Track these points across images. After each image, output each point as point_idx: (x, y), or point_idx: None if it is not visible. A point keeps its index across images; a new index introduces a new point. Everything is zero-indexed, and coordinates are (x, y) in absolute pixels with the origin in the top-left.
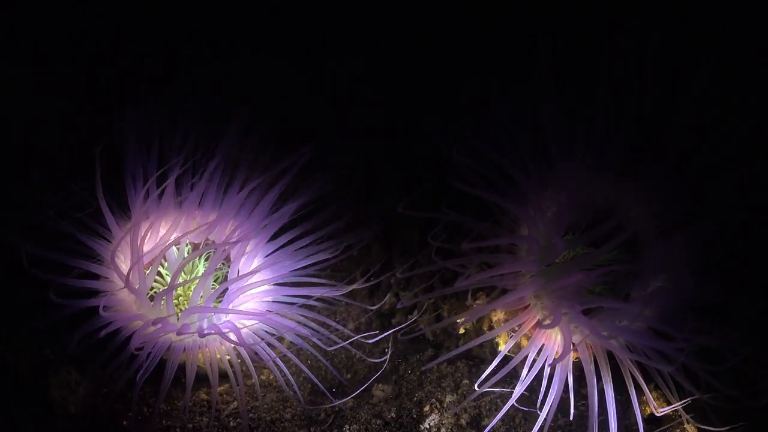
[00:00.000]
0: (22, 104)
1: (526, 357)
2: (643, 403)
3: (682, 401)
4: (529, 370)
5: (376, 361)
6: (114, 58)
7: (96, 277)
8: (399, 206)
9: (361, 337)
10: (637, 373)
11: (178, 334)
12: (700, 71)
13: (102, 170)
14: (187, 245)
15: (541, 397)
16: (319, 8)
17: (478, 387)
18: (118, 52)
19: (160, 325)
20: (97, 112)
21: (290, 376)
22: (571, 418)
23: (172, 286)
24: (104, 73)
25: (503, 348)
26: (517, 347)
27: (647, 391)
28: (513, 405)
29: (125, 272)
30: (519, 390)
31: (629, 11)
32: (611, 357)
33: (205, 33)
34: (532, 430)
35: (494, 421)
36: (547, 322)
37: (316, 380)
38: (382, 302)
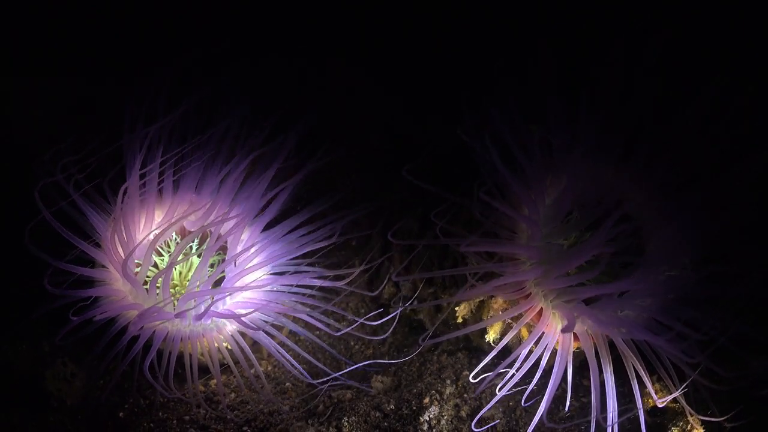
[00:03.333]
0: (24, 105)
1: (526, 346)
2: (645, 394)
3: (683, 387)
4: (526, 358)
5: (375, 338)
6: (113, 50)
7: (91, 265)
8: (403, 170)
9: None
10: (639, 364)
11: (175, 318)
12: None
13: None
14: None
15: (533, 384)
16: (317, 4)
17: (473, 378)
18: (116, 45)
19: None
20: (94, 104)
21: (293, 361)
22: (567, 409)
23: (170, 265)
24: (102, 66)
25: (494, 336)
26: (518, 337)
27: (648, 381)
28: (515, 397)
29: (120, 261)
30: (515, 378)
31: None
32: (612, 346)
33: (203, 27)
34: (532, 422)
35: (488, 407)
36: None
37: (321, 365)
38: (380, 289)
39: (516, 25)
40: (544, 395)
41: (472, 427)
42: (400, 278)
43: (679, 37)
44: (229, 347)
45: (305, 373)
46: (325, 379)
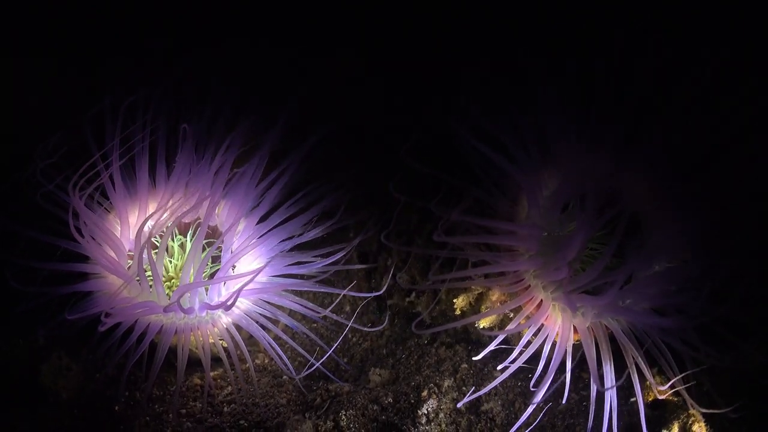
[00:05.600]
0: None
1: (525, 337)
2: (646, 387)
3: (682, 374)
4: (524, 349)
5: (374, 329)
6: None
7: (84, 259)
8: (401, 151)
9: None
10: (639, 355)
11: (166, 311)
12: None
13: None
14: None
15: (536, 376)
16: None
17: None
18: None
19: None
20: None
21: (283, 355)
22: (564, 401)
23: (145, 241)
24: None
25: (487, 324)
26: (517, 327)
27: (648, 373)
28: (514, 390)
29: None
30: (512, 368)
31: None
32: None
33: (202, 22)
34: (525, 412)
35: (482, 392)
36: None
37: (314, 360)
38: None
39: (515, 25)
40: (543, 388)
41: (458, 405)
42: (391, 243)
43: (678, 34)
44: (223, 341)
45: (291, 369)
46: (308, 370)
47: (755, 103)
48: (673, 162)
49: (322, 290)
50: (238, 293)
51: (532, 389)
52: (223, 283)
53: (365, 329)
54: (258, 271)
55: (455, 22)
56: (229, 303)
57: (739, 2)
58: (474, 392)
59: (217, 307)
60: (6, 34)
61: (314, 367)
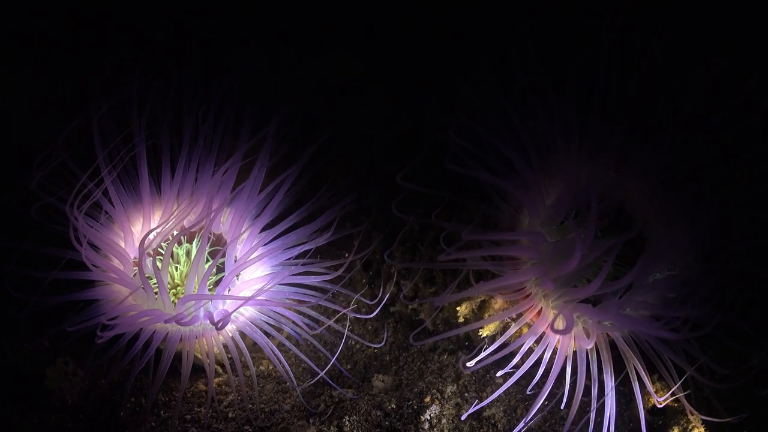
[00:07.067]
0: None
1: (526, 344)
2: (646, 394)
3: (680, 382)
4: (523, 357)
5: (375, 346)
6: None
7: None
8: (397, 176)
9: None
10: (639, 365)
11: (167, 322)
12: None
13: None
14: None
15: (535, 382)
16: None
17: (469, 365)
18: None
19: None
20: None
21: (285, 363)
22: (562, 407)
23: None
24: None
25: (489, 333)
26: (518, 335)
27: (648, 381)
28: (516, 396)
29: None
30: (514, 376)
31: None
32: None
33: (202, 23)
34: (527, 415)
35: (484, 403)
36: (561, 326)
37: (316, 367)
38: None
39: (515, 26)
40: (543, 395)
41: (462, 418)
42: (395, 262)
43: (678, 34)
44: (228, 347)
45: (293, 377)
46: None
47: (757, 105)
48: (675, 165)
49: (324, 304)
50: (229, 314)
51: (528, 392)
52: (227, 290)
53: (366, 341)
54: (256, 294)
55: (455, 23)
56: (220, 324)
57: (739, 2)
58: (477, 399)
59: (215, 323)
60: (6, 33)
61: (309, 368)
